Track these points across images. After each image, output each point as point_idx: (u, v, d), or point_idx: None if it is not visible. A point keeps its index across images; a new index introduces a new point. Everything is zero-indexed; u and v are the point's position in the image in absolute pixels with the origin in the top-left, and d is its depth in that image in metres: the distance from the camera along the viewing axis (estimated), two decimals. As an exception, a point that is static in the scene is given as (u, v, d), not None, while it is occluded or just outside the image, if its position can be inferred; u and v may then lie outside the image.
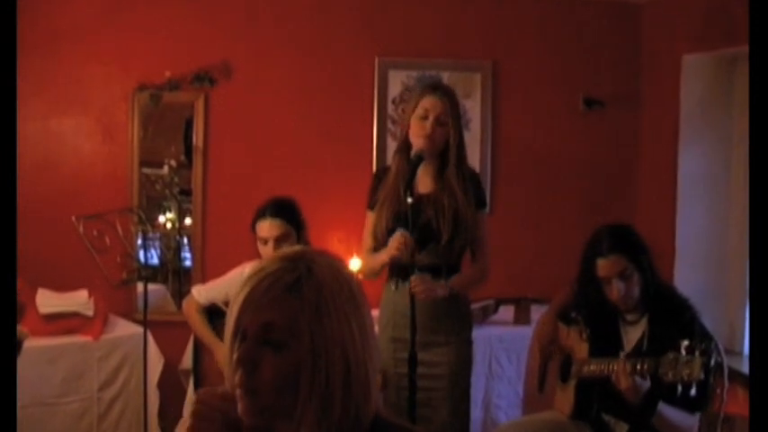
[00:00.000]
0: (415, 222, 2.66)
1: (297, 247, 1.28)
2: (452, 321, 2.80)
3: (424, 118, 2.71)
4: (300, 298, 1.18)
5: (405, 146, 2.78)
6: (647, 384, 2.42)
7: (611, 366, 2.48)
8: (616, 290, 2.56)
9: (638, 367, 2.40)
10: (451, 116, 2.72)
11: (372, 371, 1.22)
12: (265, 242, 2.91)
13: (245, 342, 1.19)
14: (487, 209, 2.97)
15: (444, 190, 2.75)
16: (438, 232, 2.73)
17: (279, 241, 2.90)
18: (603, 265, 2.57)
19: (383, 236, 2.77)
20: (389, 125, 4.20)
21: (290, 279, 1.19)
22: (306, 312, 1.17)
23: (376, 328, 2.93)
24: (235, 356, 1.19)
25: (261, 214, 2.94)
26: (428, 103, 2.72)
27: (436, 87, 2.77)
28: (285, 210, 2.96)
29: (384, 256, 2.71)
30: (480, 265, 2.87)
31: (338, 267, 1.24)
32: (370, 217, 2.86)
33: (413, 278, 2.61)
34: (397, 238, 2.64)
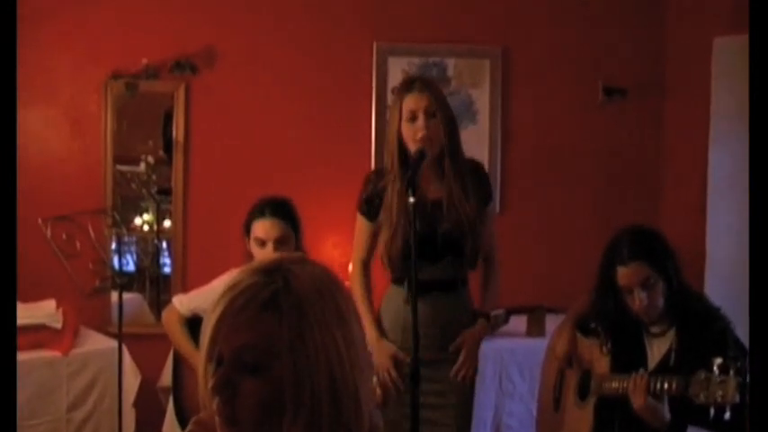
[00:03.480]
0: (433, 234, 2.73)
1: (274, 256, 1.28)
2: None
3: (414, 119, 2.73)
4: (278, 315, 1.18)
5: (402, 160, 2.77)
6: (664, 408, 2.41)
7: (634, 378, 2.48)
8: (638, 300, 2.55)
9: (656, 386, 2.39)
10: (439, 106, 2.75)
11: (364, 388, 1.22)
12: (263, 244, 2.92)
13: (221, 367, 1.19)
14: (496, 205, 2.99)
15: (453, 194, 2.78)
16: (458, 244, 2.77)
17: (279, 243, 2.91)
18: (624, 274, 2.56)
19: (398, 259, 2.81)
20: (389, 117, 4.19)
21: (266, 295, 1.19)
22: (285, 330, 1.17)
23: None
24: (211, 383, 1.19)
25: (258, 213, 2.95)
26: (411, 102, 2.74)
27: (412, 83, 2.80)
28: (285, 209, 2.98)
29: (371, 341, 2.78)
30: (492, 271, 2.92)
31: (320, 276, 1.24)
32: (362, 223, 2.92)
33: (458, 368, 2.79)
34: (385, 384, 2.76)
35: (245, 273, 1.23)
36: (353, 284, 2.94)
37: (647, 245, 2.59)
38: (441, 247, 2.77)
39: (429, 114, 2.73)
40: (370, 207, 2.87)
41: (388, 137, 2.81)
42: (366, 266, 2.96)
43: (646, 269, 2.54)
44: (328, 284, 1.24)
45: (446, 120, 2.76)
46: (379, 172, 2.93)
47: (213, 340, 1.20)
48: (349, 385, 1.19)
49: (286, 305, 1.18)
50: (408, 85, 2.80)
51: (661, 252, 2.58)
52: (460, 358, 2.81)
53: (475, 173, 2.86)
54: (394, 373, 2.78)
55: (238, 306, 1.19)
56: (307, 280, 1.21)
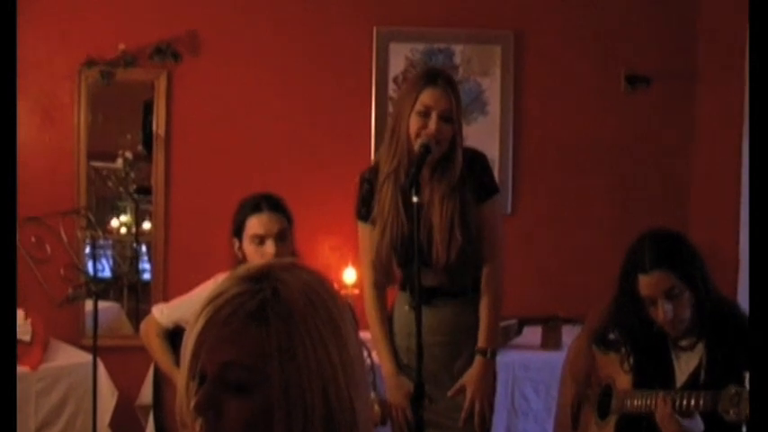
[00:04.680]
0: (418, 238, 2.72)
1: (262, 262, 1.28)
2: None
3: (425, 114, 2.72)
4: (266, 327, 1.17)
5: (404, 154, 2.77)
6: (697, 423, 2.40)
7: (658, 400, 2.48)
8: (662, 312, 2.53)
9: (682, 403, 2.38)
10: (457, 113, 2.75)
11: (360, 406, 1.21)
12: (262, 241, 2.94)
13: (204, 384, 1.19)
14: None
15: (446, 200, 2.77)
16: (429, 256, 2.77)
17: (280, 239, 2.94)
18: (646, 283, 2.55)
19: (389, 262, 2.83)
20: (391, 109, 4.19)
21: (253, 305, 1.18)
22: (273, 345, 1.16)
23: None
24: (193, 402, 1.19)
25: (253, 209, 2.97)
26: (429, 97, 2.72)
27: (436, 77, 2.78)
28: (281, 204, 3.02)
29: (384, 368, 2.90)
30: (491, 278, 2.87)
31: (312, 283, 1.23)
32: (364, 230, 2.90)
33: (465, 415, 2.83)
34: (400, 424, 2.82)
35: (231, 280, 1.22)
36: (368, 311, 2.92)
37: (670, 251, 2.57)
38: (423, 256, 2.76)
39: (443, 118, 2.72)
40: (368, 209, 2.86)
41: (399, 129, 2.77)
42: (380, 288, 2.92)
43: (670, 278, 2.52)
44: (321, 292, 1.23)
45: (460, 130, 2.77)
46: (373, 169, 2.91)
47: (195, 355, 1.20)
48: (345, 403, 1.19)
49: (275, 316, 1.17)
50: (431, 77, 2.76)
51: (687, 259, 2.56)
52: (466, 405, 2.82)
53: (474, 163, 2.83)
54: (410, 415, 2.78)
55: (223, 318, 1.18)
56: (297, 288, 1.21)
